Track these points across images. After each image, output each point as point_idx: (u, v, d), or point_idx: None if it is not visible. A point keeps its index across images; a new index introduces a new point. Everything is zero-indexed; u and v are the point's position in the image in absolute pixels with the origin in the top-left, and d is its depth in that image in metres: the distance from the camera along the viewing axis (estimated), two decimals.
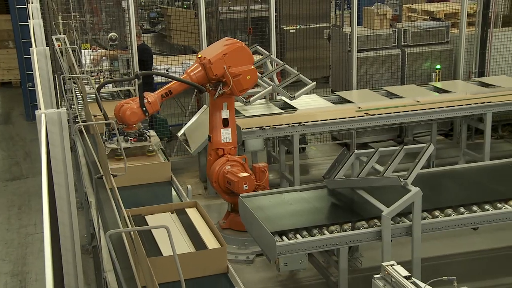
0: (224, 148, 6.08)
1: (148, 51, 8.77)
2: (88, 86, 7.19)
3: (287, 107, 7.74)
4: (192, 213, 4.34)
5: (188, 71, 5.87)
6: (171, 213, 4.37)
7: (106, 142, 5.26)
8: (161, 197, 4.88)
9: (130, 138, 5.42)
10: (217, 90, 5.85)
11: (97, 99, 5.54)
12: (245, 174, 5.85)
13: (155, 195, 4.94)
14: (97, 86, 6.27)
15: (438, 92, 8.26)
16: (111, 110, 5.64)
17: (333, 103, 7.95)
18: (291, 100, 7.58)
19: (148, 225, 4.16)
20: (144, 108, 5.49)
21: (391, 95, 8.13)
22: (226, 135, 6.07)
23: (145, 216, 4.30)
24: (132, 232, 3.18)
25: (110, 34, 8.08)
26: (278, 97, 8.17)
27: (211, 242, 3.89)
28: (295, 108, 7.55)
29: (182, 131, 7.95)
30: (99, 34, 9.62)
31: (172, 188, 5.06)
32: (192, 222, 4.20)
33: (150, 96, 5.58)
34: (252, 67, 5.91)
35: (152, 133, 5.65)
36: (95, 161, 4.51)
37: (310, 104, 7.83)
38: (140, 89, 5.56)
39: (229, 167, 5.96)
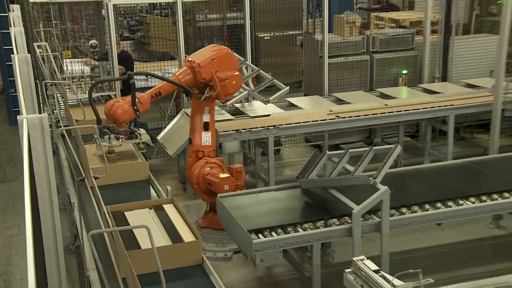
0: (204, 151, 6.07)
1: (129, 58, 8.71)
2: (69, 92, 7.12)
3: (289, 107, 7.81)
4: (169, 209, 4.40)
5: (177, 73, 5.87)
6: (149, 209, 4.42)
7: (98, 140, 5.19)
8: (140, 195, 4.92)
9: (121, 136, 5.38)
10: (204, 94, 5.85)
11: (90, 99, 5.51)
12: (226, 175, 5.85)
13: (134, 193, 4.97)
14: (79, 92, 6.24)
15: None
16: (92, 116, 5.58)
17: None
18: (265, 104, 7.59)
19: (127, 220, 4.22)
20: (135, 107, 5.48)
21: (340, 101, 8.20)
22: (206, 138, 6.07)
23: (125, 212, 4.34)
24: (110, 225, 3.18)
25: (91, 42, 8.03)
26: (254, 101, 8.17)
27: (187, 235, 3.95)
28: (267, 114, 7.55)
29: (161, 135, 7.90)
30: (80, 42, 9.52)
31: (151, 187, 5.11)
32: (169, 217, 4.26)
33: (141, 96, 5.56)
34: (237, 72, 5.93)
35: (142, 131, 5.63)
36: (77, 163, 4.47)
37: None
38: (133, 88, 5.53)
39: (209, 169, 5.95)
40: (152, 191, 5.05)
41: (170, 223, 4.17)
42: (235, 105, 7.80)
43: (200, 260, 3.77)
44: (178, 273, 3.65)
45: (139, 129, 5.63)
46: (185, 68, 5.87)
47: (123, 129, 5.43)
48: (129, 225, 4.15)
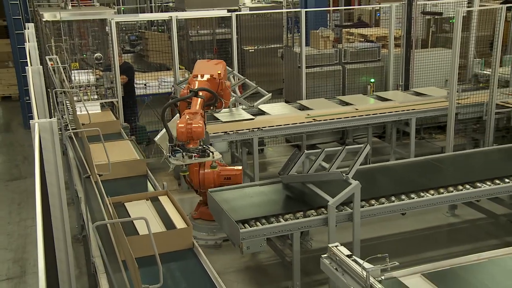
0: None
1: (131, 69, 8.63)
2: (77, 99, 7.04)
3: (259, 113, 7.74)
4: (164, 200, 4.46)
5: (203, 84, 5.38)
6: (146, 200, 4.48)
7: (169, 158, 4.77)
8: (138, 188, 4.95)
9: (194, 154, 4.82)
10: (219, 103, 5.52)
11: (162, 118, 5.09)
12: (240, 167, 5.84)
13: (133, 186, 5.01)
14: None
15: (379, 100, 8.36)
16: (97, 126, 5.48)
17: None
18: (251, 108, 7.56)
19: (127, 210, 4.26)
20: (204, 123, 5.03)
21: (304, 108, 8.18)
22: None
23: (125, 203, 4.40)
24: (112, 215, 3.19)
25: (96, 55, 7.95)
26: (240, 107, 8.15)
27: (179, 223, 4.01)
28: (252, 118, 7.51)
29: (158, 136, 7.84)
30: (86, 55, 9.45)
31: (148, 181, 5.14)
32: (164, 207, 4.32)
33: (201, 112, 5.05)
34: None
35: (212, 148, 5.08)
36: (83, 162, 4.44)
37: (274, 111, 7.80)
38: (202, 104, 5.09)
39: (216, 166, 5.79)
40: (149, 184, 5.09)
41: (164, 213, 4.22)
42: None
43: (191, 244, 3.81)
44: (172, 256, 3.69)
45: (209, 146, 5.06)
46: (203, 81, 5.40)
47: (195, 146, 4.86)
48: (129, 215, 4.19)
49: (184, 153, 4.75)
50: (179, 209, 4.19)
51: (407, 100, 8.09)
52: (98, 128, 4.15)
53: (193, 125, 4.76)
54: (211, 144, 6.80)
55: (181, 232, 3.82)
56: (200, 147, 4.84)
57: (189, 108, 5.18)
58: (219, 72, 5.52)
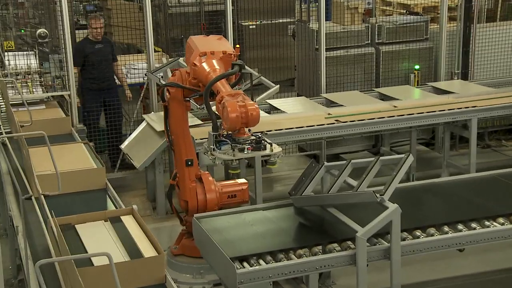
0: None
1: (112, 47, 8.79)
2: (13, 91, 7.07)
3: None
4: (128, 220, 4.51)
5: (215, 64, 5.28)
6: (105, 221, 4.53)
7: (214, 152, 4.74)
8: (95, 206, 4.99)
9: (247, 147, 4.72)
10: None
11: (206, 103, 4.95)
12: (243, 180, 5.94)
13: (88, 203, 5.06)
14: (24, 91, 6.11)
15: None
16: (41, 124, 5.53)
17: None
18: None
19: (79, 235, 4.31)
20: None
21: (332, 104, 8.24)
22: None
23: (76, 226, 4.44)
24: (59, 243, 3.22)
25: (39, 31, 7.97)
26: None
27: (147, 251, 4.06)
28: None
29: (126, 143, 7.86)
30: (25, 30, 9.48)
31: (107, 196, 5.22)
32: (128, 230, 4.37)
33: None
34: None
35: (267, 138, 4.97)
36: (22, 178, 4.45)
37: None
38: (251, 82, 5.51)
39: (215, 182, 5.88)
40: (109, 201, 5.17)
41: (128, 237, 4.28)
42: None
43: (163, 278, 3.87)
44: None
45: (264, 135, 4.97)
46: (218, 61, 5.30)
47: (246, 136, 4.77)
48: (80, 240, 4.25)
49: (233, 145, 4.71)
50: (148, 233, 4.26)
51: (472, 92, 8.12)
52: (42, 131, 4.18)
53: (249, 107, 4.68)
54: (197, 154, 6.84)
55: (149, 262, 3.87)
56: (253, 137, 4.77)
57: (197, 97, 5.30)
58: (237, 46, 5.52)
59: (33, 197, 4.37)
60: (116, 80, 8.86)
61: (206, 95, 5.00)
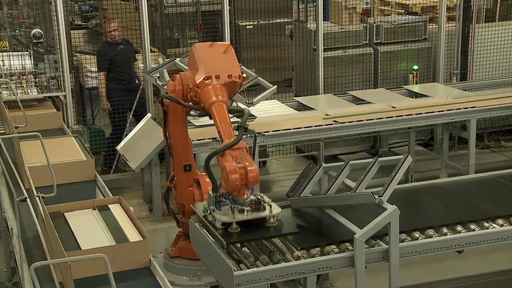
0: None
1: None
2: (7, 92, 7.07)
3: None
4: (115, 209, 4.70)
5: (219, 91, 5.10)
6: (93, 209, 4.72)
7: (214, 213, 4.63)
8: (84, 196, 5.15)
9: (247, 208, 4.63)
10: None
11: (206, 167, 4.74)
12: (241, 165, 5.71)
13: (77, 194, 5.22)
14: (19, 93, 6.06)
15: (416, 97, 8.38)
16: (33, 119, 5.57)
17: (295, 109, 8.00)
18: (248, 107, 7.57)
19: (68, 222, 4.52)
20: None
21: (358, 101, 8.23)
22: None
23: (65, 214, 4.64)
24: (47, 227, 3.34)
25: (34, 31, 7.96)
26: (234, 103, 8.16)
27: (133, 236, 4.27)
28: (253, 116, 7.55)
29: (122, 144, 7.86)
30: (20, 30, 9.47)
31: (97, 187, 5.41)
32: (115, 217, 4.58)
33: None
34: None
35: (265, 197, 4.84)
36: (17, 180, 4.47)
37: (271, 111, 7.84)
38: (254, 142, 5.11)
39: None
40: (98, 192, 5.35)
41: (115, 224, 4.48)
42: (239, 104, 7.74)
43: (147, 262, 4.06)
44: (123, 276, 3.91)
45: (263, 195, 4.84)
46: (221, 87, 5.10)
47: (244, 197, 4.67)
48: (68, 227, 4.46)
49: (233, 206, 4.64)
50: (134, 220, 4.43)
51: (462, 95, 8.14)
52: (38, 133, 4.22)
53: (249, 168, 4.60)
54: (194, 155, 6.83)
55: (134, 246, 4.07)
56: (253, 198, 4.70)
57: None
58: (244, 75, 5.42)
59: (23, 188, 4.48)
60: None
61: (207, 163, 4.75)
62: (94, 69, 9.05)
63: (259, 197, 4.72)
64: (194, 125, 7.27)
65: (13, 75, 7.70)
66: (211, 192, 4.68)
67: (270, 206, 4.69)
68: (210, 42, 5.41)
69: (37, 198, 3.67)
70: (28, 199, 4.79)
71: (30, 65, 7.89)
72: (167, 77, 7.24)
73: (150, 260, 4.07)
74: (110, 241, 4.22)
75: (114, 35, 8.72)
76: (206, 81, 5.07)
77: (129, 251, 4.03)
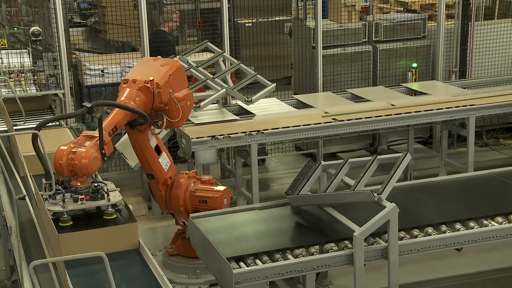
0: (171, 176, 5.95)
1: (169, 42, 9.07)
2: (6, 90, 7.06)
3: (243, 112, 7.75)
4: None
5: (124, 98, 5.26)
6: None
7: (47, 202, 4.50)
8: None
9: (81, 197, 4.57)
10: (161, 121, 5.51)
11: (34, 147, 4.62)
12: (222, 187, 5.83)
13: None
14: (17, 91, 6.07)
15: (415, 95, 8.39)
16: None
17: (294, 107, 8.00)
18: (247, 105, 7.58)
19: None
20: (103, 151, 4.68)
21: (357, 99, 8.23)
22: (165, 162, 5.86)
23: None
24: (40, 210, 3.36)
25: (33, 29, 7.95)
26: (233, 101, 8.16)
27: None
28: (253, 114, 7.55)
29: (120, 142, 7.84)
30: (18, 28, 9.46)
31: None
32: None
33: (104, 136, 4.80)
34: (190, 90, 5.79)
35: (110, 185, 4.85)
36: (16, 178, 4.46)
37: (270, 109, 7.84)
38: (100, 124, 4.72)
39: (193, 184, 5.86)
40: None
41: None
42: (238, 102, 7.84)
43: (136, 244, 4.26)
44: (113, 258, 3.87)
45: (105, 183, 4.83)
46: (133, 90, 5.28)
47: (84, 185, 4.61)
48: None
49: (65, 195, 4.54)
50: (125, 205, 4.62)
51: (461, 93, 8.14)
52: (36, 131, 4.20)
53: (77, 155, 4.52)
54: (193, 153, 6.83)
55: (124, 229, 4.29)
56: (92, 186, 4.62)
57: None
58: (151, 78, 5.30)
59: (17, 176, 4.52)
60: None
61: (35, 142, 4.70)
62: (93, 66, 9.03)
63: (100, 186, 4.67)
64: (193, 123, 7.26)
65: (11, 73, 7.69)
66: (44, 180, 4.58)
67: (108, 195, 4.64)
68: (157, 57, 5.85)
69: (32, 187, 3.66)
70: (27, 197, 4.79)
71: (29, 63, 7.88)
72: None
73: (139, 243, 4.26)
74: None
75: (171, 26, 9.07)
76: (124, 84, 5.37)
77: (119, 234, 4.27)
